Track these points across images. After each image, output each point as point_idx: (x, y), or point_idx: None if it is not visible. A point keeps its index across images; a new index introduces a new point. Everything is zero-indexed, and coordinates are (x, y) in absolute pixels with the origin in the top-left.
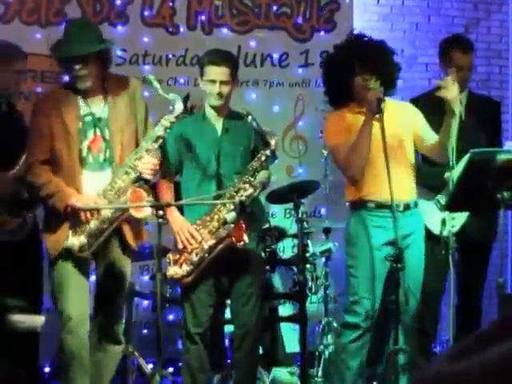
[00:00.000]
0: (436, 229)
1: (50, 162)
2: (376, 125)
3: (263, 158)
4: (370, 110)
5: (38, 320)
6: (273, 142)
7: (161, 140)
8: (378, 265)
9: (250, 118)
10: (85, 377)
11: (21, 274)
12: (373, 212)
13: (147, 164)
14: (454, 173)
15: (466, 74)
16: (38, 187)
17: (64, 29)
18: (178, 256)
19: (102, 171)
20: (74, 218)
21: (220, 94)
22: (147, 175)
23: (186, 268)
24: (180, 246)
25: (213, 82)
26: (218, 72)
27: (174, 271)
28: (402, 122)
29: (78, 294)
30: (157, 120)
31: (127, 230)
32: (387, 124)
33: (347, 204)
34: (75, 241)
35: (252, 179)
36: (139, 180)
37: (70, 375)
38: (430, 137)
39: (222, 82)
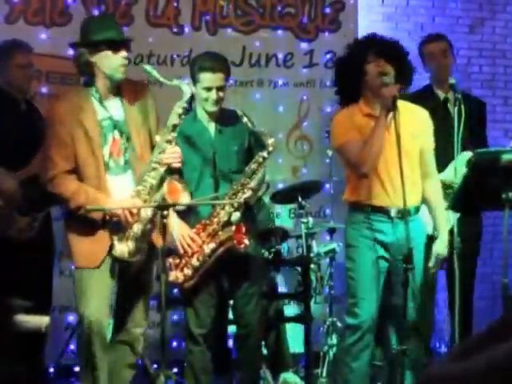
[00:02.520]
0: (429, 228)
1: (75, 171)
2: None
3: (261, 160)
4: (384, 106)
5: (42, 320)
6: (270, 143)
7: (177, 128)
8: (375, 266)
9: (245, 119)
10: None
11: (30, 272)
12: (370, 215)
13: (173, 153)
14: (445, 174)
15: (440, 61)
16: (67, 199)
17: (90, 20)
18: (178, 260)
19: (124, 174)
20: (114, 224)
21: (217, 100)
22: (176, 164)
23: (187, 272)
24: (181, 250)
25: (209, 88)
26: (214, 79)
27: (175, 276)
28: (414, 125)
29: (100, 300)
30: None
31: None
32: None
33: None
34: (124, 247)
35: (250, 181)
36: (169, 173)
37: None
38: (427, 165)
39: (218, 88)
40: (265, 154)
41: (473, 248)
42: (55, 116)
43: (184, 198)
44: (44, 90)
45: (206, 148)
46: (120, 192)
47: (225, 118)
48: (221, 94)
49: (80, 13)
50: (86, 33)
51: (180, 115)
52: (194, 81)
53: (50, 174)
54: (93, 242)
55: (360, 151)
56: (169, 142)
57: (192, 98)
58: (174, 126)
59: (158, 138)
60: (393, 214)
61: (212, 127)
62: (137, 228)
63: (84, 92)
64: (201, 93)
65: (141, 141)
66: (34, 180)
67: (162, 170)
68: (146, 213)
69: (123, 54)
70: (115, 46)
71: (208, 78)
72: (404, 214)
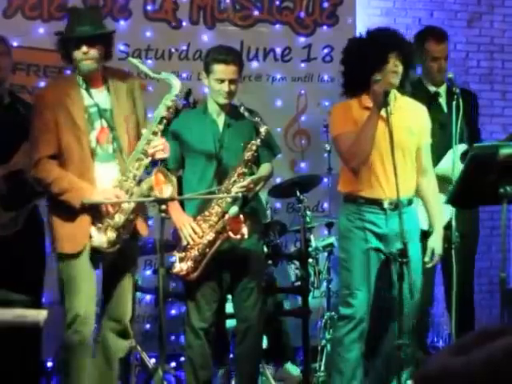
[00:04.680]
0: (424, 224)
1: (58, 156)
2: (380, 119)
3: (254, 148)
4: (376, 102)
5: (40, 315)
6: (262, 130)
7: (165, 121)
8: (369, 257)
9: (242, 108)
10: (84, 373)
11: (19, 269)
12: (363, 207)
13: (158, 145)
14: (440, 167)
15: (441, 64)
16: (49, 184)
17: (70, 13)
18: (183, 254)
19: (111, 162)
20: (95, 213)
21: (229, 93)
22: (160, 155)
23: (190, 264)
24: (184, 242)
25: (222, 80)
26: (227, 71)
27: (179, 268)
28: (412, 121)
29: (86, 291)
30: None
31: (138, 220)
32: (394, 118)
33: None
34: (103, 238)
35: (246, 170)
36: (154, 165)
37: (70, 371)
38: (423, 161)
39: (230, 81)
40: (258, 141)
41: (471, 245)
42: (41, 101)
43: (167, 190)
44: (42, 84)
45: (213, 141)
46: (106, 179)
47: (235, 113)
48: (233, 87)
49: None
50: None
51: (169, 108)
52: (207, 72)
53: (34, 159)
54: (74, 227)
55: (350, 146)
56: (155, 133)
57: (189, 93)
58: (162, 118)
59: (143, 130)
60: (386, 205)
61: (221, 121)
62: (118, 218)
63: (72, 79)
64: (213, 85)
65: (129, 131)
66: (16, 174)
67: (146, 161)
68: (129, 203)
69: (83, 49)
70: (77, 42)
71: (221, 70)
72: (397, 208)
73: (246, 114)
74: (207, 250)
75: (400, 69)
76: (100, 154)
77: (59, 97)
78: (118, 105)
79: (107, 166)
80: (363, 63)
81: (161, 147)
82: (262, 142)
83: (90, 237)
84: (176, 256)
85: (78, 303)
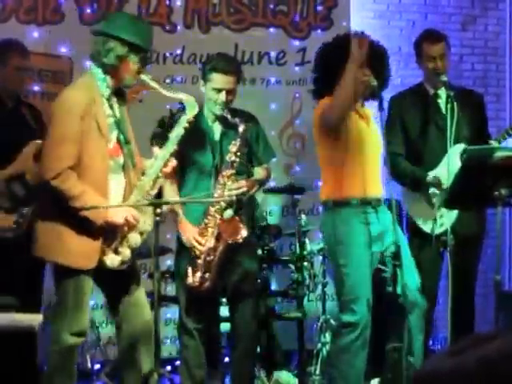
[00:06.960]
0: (427, 227)
1: (76, 166)
2: (359, 121)
3: (234, 149)
4: (354, 57)
5: (35, 319)
6: (240, 130)
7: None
8: (369, 261)
9: (225, 111)
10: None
11: (18, 272)
12: (357, 209)
13: (171, 167)
14: (438, 170)
15: (438, 64)
16: (72, 197)
17: (127, 16)
18: (195, 266)
19: (120, 174)
20: (111, 233)
21: (226, 103)
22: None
23: (200, 274)
24: (193, 253)
25: (219, 90)
26: (226, 81)
27: (191, 280)
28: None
29: (88, 305)
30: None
31: None
32: (369, 121)
33: (324, 202)
34: (116, 258)
35: (233, 171)
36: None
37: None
38: None
39: (228, 91)
40: (237, 141)
41: (472, 247)
42: (71, 106)
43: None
44: (36, 88)
45: (210, 149)
46: (114, 192)
47: (228, 120)
48: (230, 97)
49: (72, 11)
50: (132, 30)
51: (185, 128)
52: (205, 80)
53: (57, 169)
54: (88, 242)
55: (331, 103)
56: (172, 154)
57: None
58: (178, 138)
59: (157, 150)
60: (373, 203)
61: (217, 128)
62: (136, 239)
63: (95, 83)
64: (210, 94)
65: (134, 143)
66: (19, 177)
67: (162, 180)
68: (148, 224)
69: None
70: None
71: (219, 79)
72: (392, 207)
73: (229, 116)
74: (211, 257)
75: (372, 78)
76: (112, 166)
77: (89, 102)
78: (126, 117)
79: (117, 179)
80: (330, 73)
81: (171, 170)
82: (244, 142)
83: (104, 254)
84: (189, 269)
85: (85, 323)
